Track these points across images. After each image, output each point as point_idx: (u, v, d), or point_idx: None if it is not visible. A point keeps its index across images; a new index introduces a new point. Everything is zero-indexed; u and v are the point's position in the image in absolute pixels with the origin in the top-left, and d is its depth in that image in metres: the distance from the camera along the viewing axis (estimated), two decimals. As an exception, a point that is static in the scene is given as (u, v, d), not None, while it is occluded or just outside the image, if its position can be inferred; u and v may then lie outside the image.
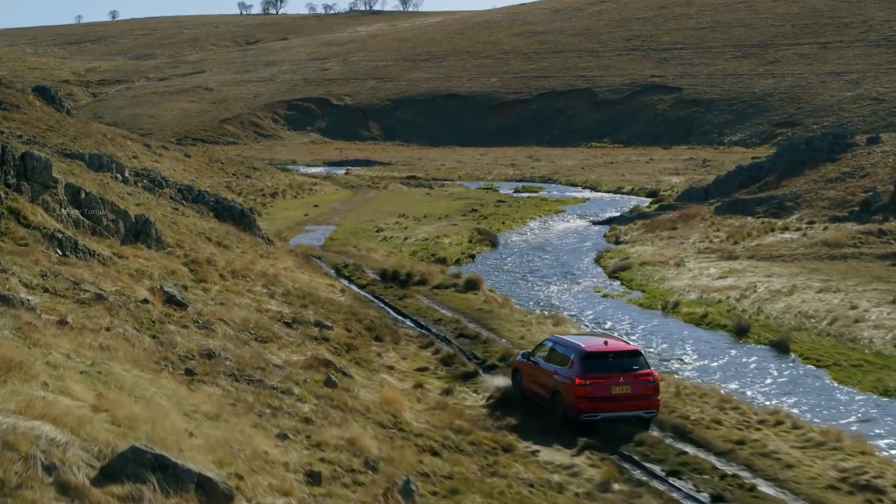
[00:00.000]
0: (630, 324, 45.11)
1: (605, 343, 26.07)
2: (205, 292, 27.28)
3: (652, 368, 25.38)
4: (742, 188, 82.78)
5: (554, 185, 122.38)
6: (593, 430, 23.86)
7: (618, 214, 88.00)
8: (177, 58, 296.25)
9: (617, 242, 71.91)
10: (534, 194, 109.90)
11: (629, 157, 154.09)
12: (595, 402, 24.21)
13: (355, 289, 42.37)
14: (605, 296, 53.13)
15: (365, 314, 32.17)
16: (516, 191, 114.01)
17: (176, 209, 38.09)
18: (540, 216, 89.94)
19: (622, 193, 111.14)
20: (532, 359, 26.77)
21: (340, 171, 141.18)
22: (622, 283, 56.54)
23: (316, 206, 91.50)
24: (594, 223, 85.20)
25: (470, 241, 72.07)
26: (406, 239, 71.05)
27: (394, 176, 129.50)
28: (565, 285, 56.62)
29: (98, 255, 25.58)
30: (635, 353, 25.49)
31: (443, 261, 63.56)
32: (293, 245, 65.69)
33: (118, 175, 39.25)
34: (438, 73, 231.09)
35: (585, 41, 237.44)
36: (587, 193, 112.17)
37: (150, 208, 35.51)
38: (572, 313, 47.55)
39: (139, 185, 39.78)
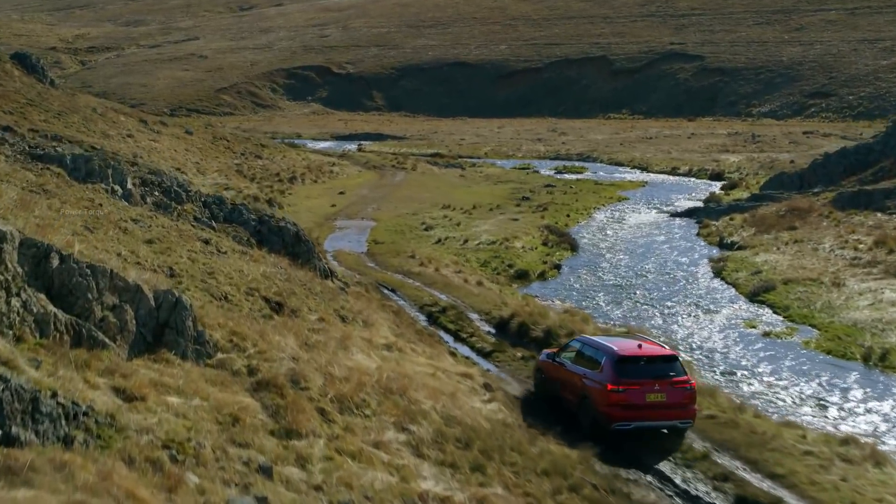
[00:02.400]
0: (841, 389, 30.97)
1: (640, 346, 23.46)
2: (304, 470, 12.97)
3: (689, 375, 23.11)
4: (850, 175, 68.26)
5: (596, 164, 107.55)
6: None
7: (699, 205, 73.38)
8: (168, 24, 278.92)
9: (722, 245, 57.48)
10: (579, 176, 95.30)
11: (661, 129, 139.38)
12: (628, 409, 22.16)
13: (509, 384, 27.13)
14: (766, 335, 38.65)
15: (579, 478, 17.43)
16: (558, 171, 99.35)
17: (207, 242, 23.72)
18: (603, 205, 75.37)
19: (679, 175, 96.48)
20: (557, 359, 24.98)
21: (352, 146, 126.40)
22: (775, 312, 42.09)
23: (341, 193, 76.73)
24: (673, 215, 70.68)
25: (545, 244, 57.49)
26: (466, 242, 56.46)
27: (414, 153, 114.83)
28: (699, 314, 42.25)
29: (79, 418, 11.13)
30: (672, 359, 23.30)
31: (524, 275, 49.19)
32: (332, 251, 51.28)
33: (116, 187, 24.95)
34: (444, 41, 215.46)
35: (597, 7, 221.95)
36: (639, 175, 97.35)
37: (172, 249, 21.18)
38: (747, 368, 33.45)
39: (148, 200, 25.41)
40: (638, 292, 46.55)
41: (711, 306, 43.57)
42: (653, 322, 40.96)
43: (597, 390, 22.53)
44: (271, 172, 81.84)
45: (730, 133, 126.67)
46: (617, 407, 22.06)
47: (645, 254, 56.34)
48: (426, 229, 61.05)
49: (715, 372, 33.09)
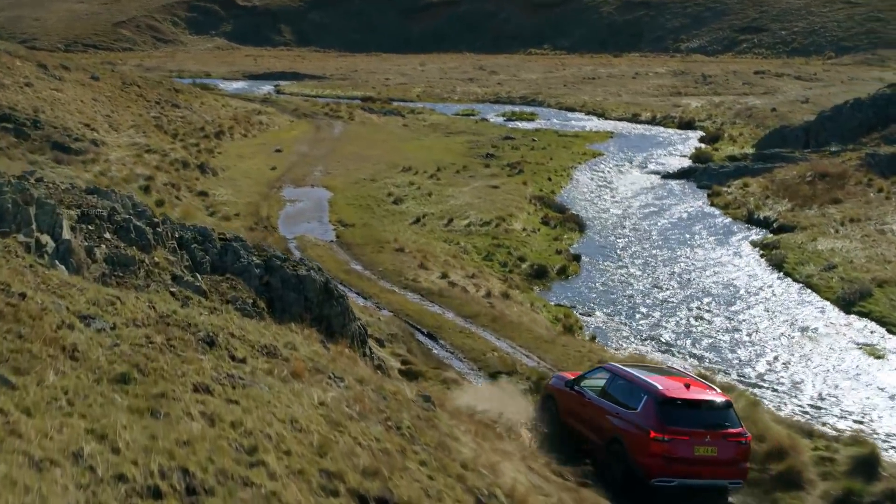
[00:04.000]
0: None
1: (688, 387, 18.79)
2: None
3: (743, 427, 18.64)
4: (870, 131, 58.61)
5: (544, 108, 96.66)
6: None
7: (691, 164, 63.25)
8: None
9: (754, 221, 47.59)
10: (533, 124, 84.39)
11: (595, 67, 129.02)
12: (673, 463, 17.85)
13: None
14: (906, 374, 28.87)
15: None
16: (507, 118, 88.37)
17: (212, 344, 12.76)
18: (580, 163, 64.95)
19: (643, 123, 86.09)
20: (577, 388, 20.34)
21: (269, 87, 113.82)
22: (890, 331, 32.20)
23: (278, 150, 64.96)
24: (665, 177, 60.59)
25: (546, 224, 46.90)
26: (451, 221, 45.69)
27: (340, 96, 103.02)
28: (785, 333, 32.37)
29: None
30: (726, 406, 18.67)
31: (542, 272, 38.74)
32: (293, 238, 40.38)
33: (45, 239, 13.90)
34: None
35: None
36: (599, 123, 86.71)
37: (168, 404, 10.22)
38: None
39: (97, 254, 14.15)
40: (683, 296, 36.39)
41: (798, 320, 33.56)
42: (722, 347, 30.94)
43: (634, 436, 18.51)
44: (195, 127, 69.39)
45: (675, 73, 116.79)
46: (659, 459, 18.08)
47: (665, 235, 46.16)
48: (395, 202, 50.02)
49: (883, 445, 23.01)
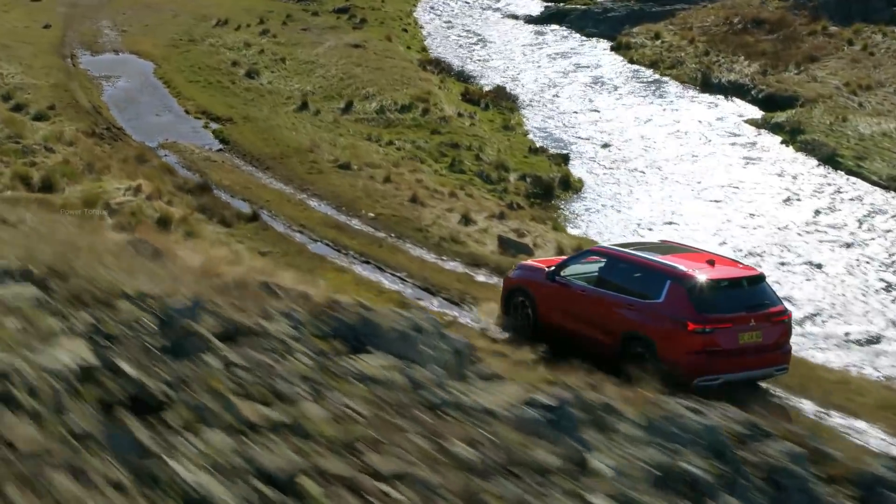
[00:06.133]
0: None
1: (712, 264, 15.35)
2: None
3: (783, 303, 15.73)
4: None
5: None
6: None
7: (544, 6, 52.20)
8: None
9: (709, 86, 37.56)
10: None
11: None
12: (717, 357, 14.66)
13: None
14: None
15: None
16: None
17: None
18: (412, 5, 52.71)
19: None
20: (560, 278, 16.20)
21: None
22: None
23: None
24: (529, 22, 49.67)
25: (473, 103, 35.34)
26: (350, 105, 33.66)
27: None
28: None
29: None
30: (761, 279, 15.58)
31: (548, 188, 27.84)
32: (158, 146, 27.67)
33: None
34: None
35: None
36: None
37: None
38: None
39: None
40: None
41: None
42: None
43: (664, 331, 14.74)
44: None
45: None
46: (701, 355, 14.49)
47: (616, 112, 35.65)
48: (249, 75, 36.84)
49: None
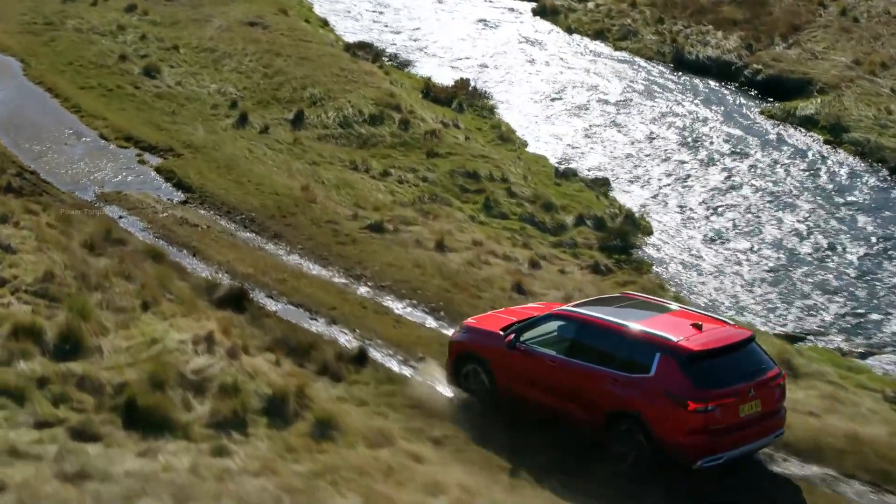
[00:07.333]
0: None
1: (699, 327, 13.88)
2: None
3: (777, 364, 14.52)
4: None
5: None
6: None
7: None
8: None
9: (683, 63, 32.42)
10: None
11: None
12: (720, 435, 13.38)
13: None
14: None
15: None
16: None
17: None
18: None
19: None
20: (522, 344, 14.55)
21: None
22: None
23: None
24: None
25: (441, 103, 28.98)
26: (301, 116, 26.92)
27: None
28: None
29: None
30: (753, 340, 14.31)
31: (624, 238, 21.90)
32: (113, 205, 20.37)
33: None
34: None
35: None
36: None
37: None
38: None
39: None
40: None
41: None
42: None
43: (661, 411, 13.39)
44: None
45: None
46: (704, 435, 13.22)
47: (614, 107, 30.09)
48: (148, 73, 29.09)
49: None
